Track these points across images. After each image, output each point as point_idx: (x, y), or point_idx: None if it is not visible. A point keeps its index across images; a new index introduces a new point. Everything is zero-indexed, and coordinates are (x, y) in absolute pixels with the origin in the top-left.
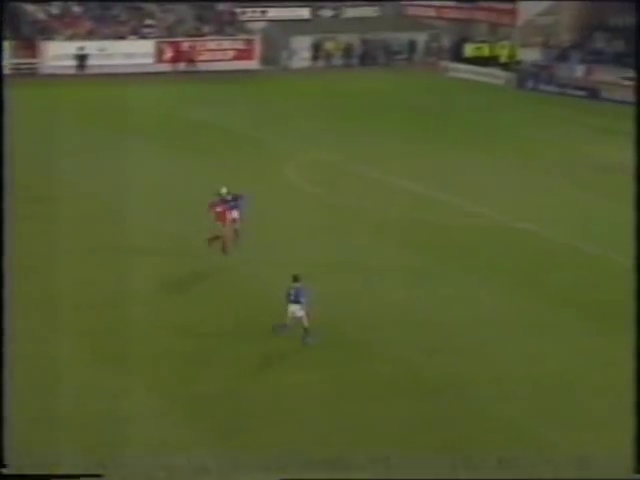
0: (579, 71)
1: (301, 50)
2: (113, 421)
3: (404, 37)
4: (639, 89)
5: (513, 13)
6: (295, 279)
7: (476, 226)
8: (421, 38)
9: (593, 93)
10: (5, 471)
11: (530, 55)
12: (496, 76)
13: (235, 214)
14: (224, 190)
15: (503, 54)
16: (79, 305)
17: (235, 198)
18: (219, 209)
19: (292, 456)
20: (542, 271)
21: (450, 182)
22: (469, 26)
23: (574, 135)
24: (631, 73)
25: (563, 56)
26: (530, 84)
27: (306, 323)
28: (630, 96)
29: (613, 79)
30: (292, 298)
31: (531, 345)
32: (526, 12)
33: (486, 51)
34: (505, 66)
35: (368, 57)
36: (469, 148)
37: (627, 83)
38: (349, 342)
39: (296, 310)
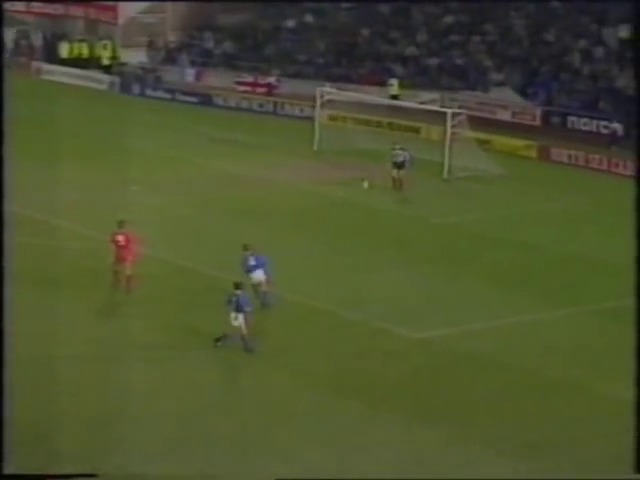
0: (189, 75)
1: None
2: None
3: None
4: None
5: (114, 10)
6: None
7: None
8: (8, 35)
9: (205, 100)
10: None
11: (136, 57)
12: (98, 80)
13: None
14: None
15: (105, 55)
16: None
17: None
18: None
19: None
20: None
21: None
22: (64, 23)
23: (186, 145)
24: (243, 77)
25: (171, 58)
26: (136, 89)
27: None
28: (243, 102)
29: (226, 84)
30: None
31: None
32: (128, 9)
33: (85, 51)
34: (108, 68)
35: None
36: (78, 160)
37: (240, 88)
38: None
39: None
